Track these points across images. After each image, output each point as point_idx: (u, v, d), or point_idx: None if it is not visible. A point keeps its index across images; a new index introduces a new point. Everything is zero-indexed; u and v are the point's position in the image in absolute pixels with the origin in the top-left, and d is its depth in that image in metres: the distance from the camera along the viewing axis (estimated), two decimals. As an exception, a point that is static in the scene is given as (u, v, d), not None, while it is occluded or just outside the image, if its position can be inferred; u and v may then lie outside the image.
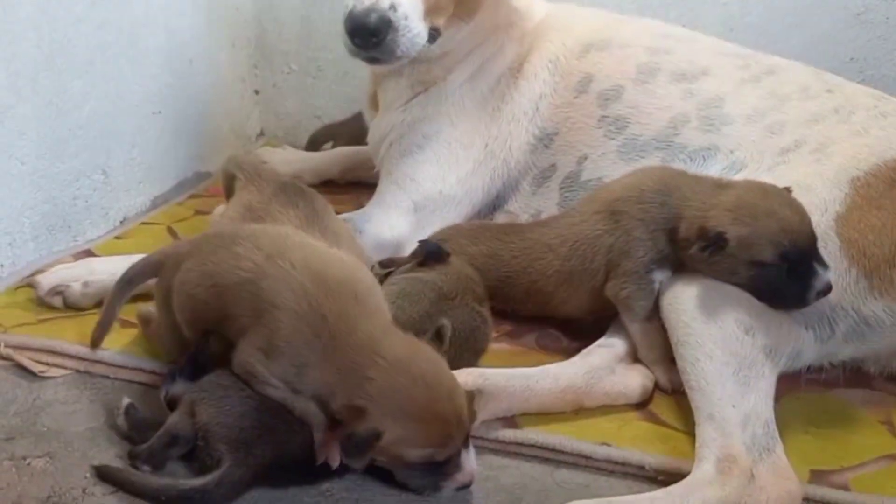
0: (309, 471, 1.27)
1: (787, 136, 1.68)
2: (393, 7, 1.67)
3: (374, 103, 2.10)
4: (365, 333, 1.23)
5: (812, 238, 1.42)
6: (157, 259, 1.47)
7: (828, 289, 1.40)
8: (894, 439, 1.46)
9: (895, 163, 1.54)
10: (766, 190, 1.46)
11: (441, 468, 1.23)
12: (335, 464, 1.24)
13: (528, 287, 1.64)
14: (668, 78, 1.84)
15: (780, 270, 1.41)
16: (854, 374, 1.59)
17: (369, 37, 1.67)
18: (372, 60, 1.77)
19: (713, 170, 1.69)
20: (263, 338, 1.26)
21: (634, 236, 1.53)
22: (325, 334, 1.23)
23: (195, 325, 1.37)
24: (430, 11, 1.74)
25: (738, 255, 1.41)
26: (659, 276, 1.52)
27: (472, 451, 1.25)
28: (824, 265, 1.41)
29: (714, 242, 1.41)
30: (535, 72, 1.94)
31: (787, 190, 1.47)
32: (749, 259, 1.41)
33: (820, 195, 1.51)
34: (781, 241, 1.40)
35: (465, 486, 1.25)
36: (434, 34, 1.79)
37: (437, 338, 1.32)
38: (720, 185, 1.51)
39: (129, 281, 1.49)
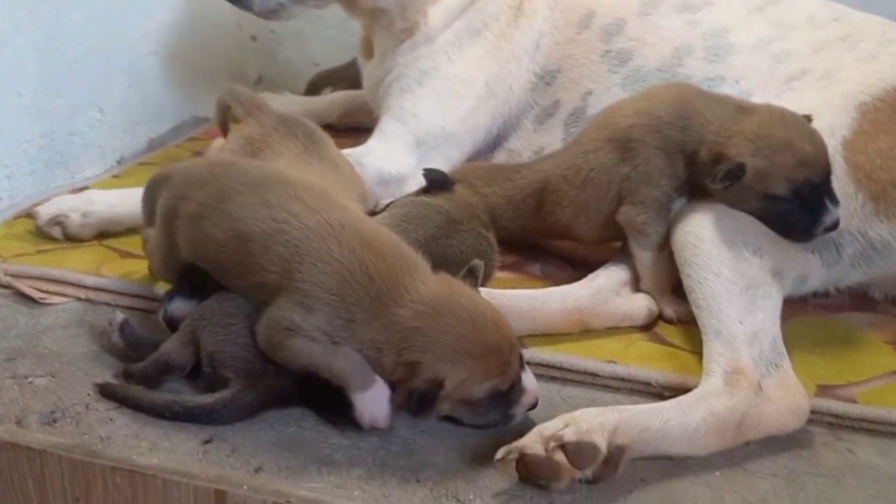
0: (332, 408, 1.23)
1: (794, 65, 1.67)
2: None
3: (367, 50, 2.10)
4: (407, 287, 1.19)
5: (826, 173, 1.41)
6: (166, 173, 1.41)
7: (835, 224, 1.40)
8: (900, 358, 1.47)
9: None
10: (787, 120, 1.43)
11: (506, 397, 1.20)
12: (384, 423, 1.20)
13: (545, 221, 1.62)
14: (671, 8, 1.83)
15: (791, 204, 1.40)
16: (859, 299, 1.60)
17: None
18: (240, 7, 1.89)
19: (720, 99, 1.67)
20: (301, 294, 1.19)
21: (655, 164, 1.50)
22: (373, 292, 1.18)
23: (201, 262, 1.31)
24: None
25: (753, 186, 1.40)
26: (678, 203, 1.50)
27: (528, 371, 1.23)
28: (835, 201, 1.40)
29: (732, 172, 1.40)
30: (535, 9, 1.92)
31: (808, 119, 1.45)
32: (762, 191, 1.40)
33: (827, 120, 1.50)
34: (796, 176, 1.39)
35: (533, 406, 1.22)
36: None
37: (470, 275, 1.29)
38: (742, 110, 1.47)
39: (147, 191, 1.44)
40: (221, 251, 1.27)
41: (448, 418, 1.24)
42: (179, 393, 1.26)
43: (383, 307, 1.17)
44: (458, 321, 1.17)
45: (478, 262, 1.32)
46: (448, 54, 1.92)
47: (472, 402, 1.19)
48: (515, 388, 1.20)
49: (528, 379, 1.22)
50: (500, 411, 1.21)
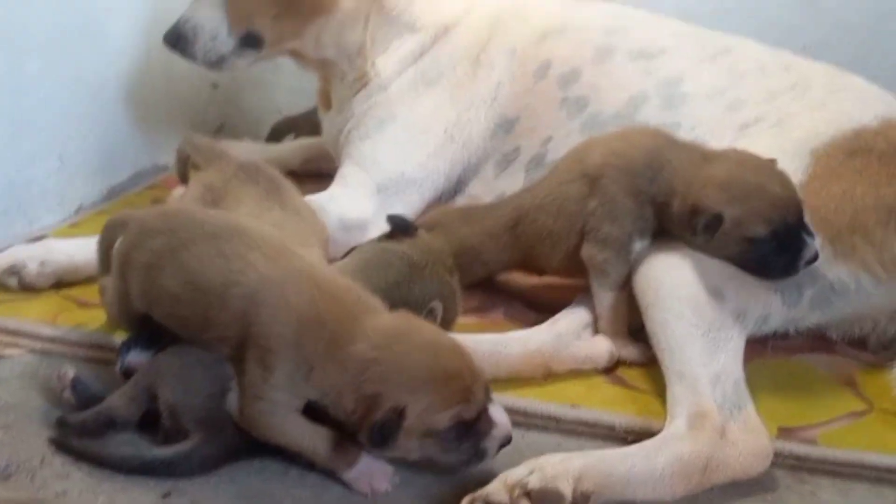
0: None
1: (747, 112, 1.71)
2: (186, 22, 1.91)
3: (325, 101, 2.13)
4: (363, 325, 1.18)
5: (799, 210, 1.44)
6: (121, 219, 1.39)
7: (815, 257, 1.43)
8: (858, 398, 1.49)
9: (853, 133, 1.58)
10: (755, 164, 1.47)
11: (474, 429, 1.16)
12: (385, 487, 1.19)
13: (523, 252, 1.64)
14: (626, 57, 1.87)
15: (770, 244, 1.42)
16: (817, 340, 1.62)
17: (172, 47, 1.93)
18: (185, 57, 1.96)
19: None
20: (260, 349, 1.17)
21: (622, 204, 1.52)
22: (327, 336, 1.16)
23: (156, 314, 1.29)
24: (236, 21, 1.89)
25: (731, 232, 1.43)
26: (639, 245, 1.52)
27: (497, 404, 1.20)
28: (811, 234, 1.44)
29: (711, 223, 1.42)
30: (492, 61, 1.96)
31: (773, 162, 1.48)
32: (741, 236, 1.43)
33: (781, 166, 1.53)
34: (773, 217, 1.42)
35: (507, 441, 1.19)
36: (253, 39, 1.92)
37: (430, 315, 1.30)
38: (706, 157, 1.51)
39: (103, 235, 1.42)
40: (177, 304, 1.25)
41: (417, 464, 1.22)
42: (137, 445, 1.24)
43: (338, 348, 1.16)
44: (415, 348, 1.16)
45: (436, 304, 1.31)
46: (406, 102, 1.94)
47: (439, 433, 1.15)
48: (482, 418, 1.17)
49: (497, 412, 1.19)
50: (471, 445, 1.17)
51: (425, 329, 1.21)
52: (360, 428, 1.15)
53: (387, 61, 1.97)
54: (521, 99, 1.93)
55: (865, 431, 1.39)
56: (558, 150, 1.82)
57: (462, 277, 1.61)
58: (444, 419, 1.14)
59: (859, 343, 1.63)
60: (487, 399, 1.18)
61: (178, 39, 1.92)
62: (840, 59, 1.83)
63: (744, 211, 1.42)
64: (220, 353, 1.23)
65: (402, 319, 1.21)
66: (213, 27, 1.89)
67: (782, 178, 1.45)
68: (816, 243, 1.43)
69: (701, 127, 1.73)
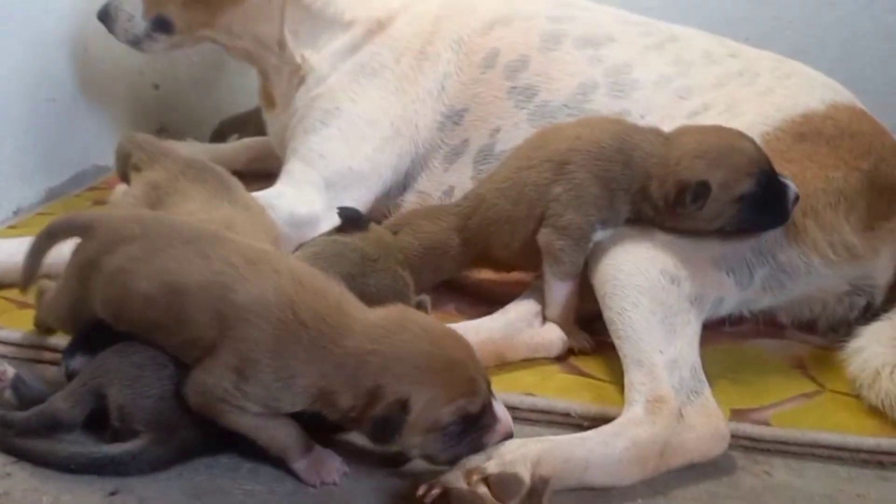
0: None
1: (696, 100, 1.72)
2: (111, 2, 2.02)
3: (267, 100, 2.13)
4: (354, 319, 1.14)
5: (768, 157, 1.47)
6: (86, 221, 1.32)
7: (797, 196, 1.46)
8: (808, 380, 1.51)
9: (802, 118, 1.60)
10: (716, 130, 1.50)
11: (478, 423, 1.13)
12: (333, 479, 1.17)
13: (485, 242, 1.62)
14: (573, 44, 1.87)
15: (758, 197, 1.44)
16: (768, 326, 1.63)
17: (102, 23, 2.03)
18: (108, 30, 2.05)
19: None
20: (237, 354, 1.13)
21: (589, 192, 1.50)
22: (305, 339, 1.12)
23: (122, 321, 1.24)
24: (150, 5, 1.98)
25: (720, 196, 1.44)
26: (600, 234, 1.50)
27: (499, 400, 1.18)
28: (784, 175, 1.47)
29: (700, 192, 1.43)
30: (438, 53, 1.95)
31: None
32: (730, 197, 1.44)
33: None
34: (753, 170, 1.44)
35: (509, 437, 1.16)
36: (164, 23, 1.99)
37: (419, 307, 1.27)
38: (666, 138, 1.51)
39: (50, 234, 1.35)
40: (151, 307, 1.20)
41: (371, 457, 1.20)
42: (84, 444, 1.20)
43: (327, 347, 1.12)
44: (415, 338, 1.12)
45: (424, 297, 1.29)
46: (348, 94, 1.93)
47: (443, 427, 1.11)
48: (487, 413, 1.14)
49: (500, 407, 1.17)
50: (472, 440, 1.14)
51: (423, 319, 1.17)
52: (360, 423, 1.12)
53: (319, 56, 1.96)
54: (469, 89, 1.92)
55: (817, 411, 1.41)
56: (507, 142, 1.82)
57: (431, 276, 1.63)
58: (449, 412, 1.11)
59: (809, 326, 1.65)
60: (490, 393, 1.16)
61: (105, 17, 2.03)
62: (780, 51, 1.85)
63: (726, 172, 1.44)
64: (190, 355, 1.19)
65: (397, 311, 1.18)
66: (131, 9, 1.99)
67: (743, 134, 1.49)
68: (791, 181, 1.46)
69: (651, 115, 1.73)
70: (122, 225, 1.28)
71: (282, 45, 1.98)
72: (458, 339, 1.17)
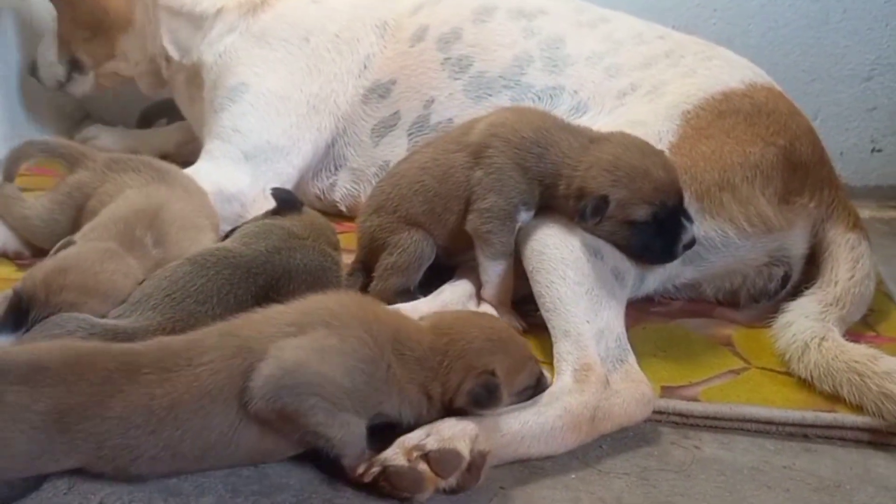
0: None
1: (624, 80, 1.75)
2: (37, 53, 2.22)
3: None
4: (406, 335, 1.20)
5: (680, 195, 1.47)
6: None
7: (692, 242, 1.47)
8: (735, 357, 1.54)
9: (721, 96, 1.64)
10: (641, 149, 1.49)
11: (538, 386, 1.27)
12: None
13: (420, 223, 1.60)
14: (506, 16, 1.89)
15: (650, 228, 1.45)
16: (695, 304, 1.68)
17: (31, 75, 2.27)
18: (35, 79, 2.27)
19: (560, 109, 1.73)
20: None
21: (508, 176, 1.51)
22: (384, 363, 1.16)
23: None
24: (61, 48, 2.17)
25: (615, 215, 1.45)
26: (524, 215, 1.52)
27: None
28: (690, 219, 1.47)
29: (598, 206, 1.43)
30: (359, 37, 1.96)
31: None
32: (623, 218, 1.45)
33: (654, 128, 1.59)
34: (655, 200, 1.44)
35: None
36: (77, 63, 2.19)
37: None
38: (593, 140, 1.51)
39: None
40: None
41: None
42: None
43: (403, 356, 1.18)
44: (472, 326, 1.23)
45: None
46: (254, 70, 1.94)
47: (522, 391, 1.25)
48: (542, 376, 1.27)
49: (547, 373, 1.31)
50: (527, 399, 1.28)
51: (459, 312, 1.37)
52: (455, 402, 1.18)
53: (205, 50, 2.00)
54: (396, 62, 1.93)
55: (744, 387, 1.44)
56: (442, 112, 1.84)
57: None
58: (525, 376, 1.24)
59: (732, 297, 1.69)
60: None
61: (34, 70, 2.24)
62: (706, 39, 1.89)
63: (628, 193, 1.44)
64: None
65: (436, 316, 1.28)
66: (49, 56, 2.17)
67: (666, 163, 1.48)
68: (695, 228, 1.47)
69: (583, 91, 1.76)
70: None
71: (168, 57, 2.06)
72: (499, 320, 1.37)
